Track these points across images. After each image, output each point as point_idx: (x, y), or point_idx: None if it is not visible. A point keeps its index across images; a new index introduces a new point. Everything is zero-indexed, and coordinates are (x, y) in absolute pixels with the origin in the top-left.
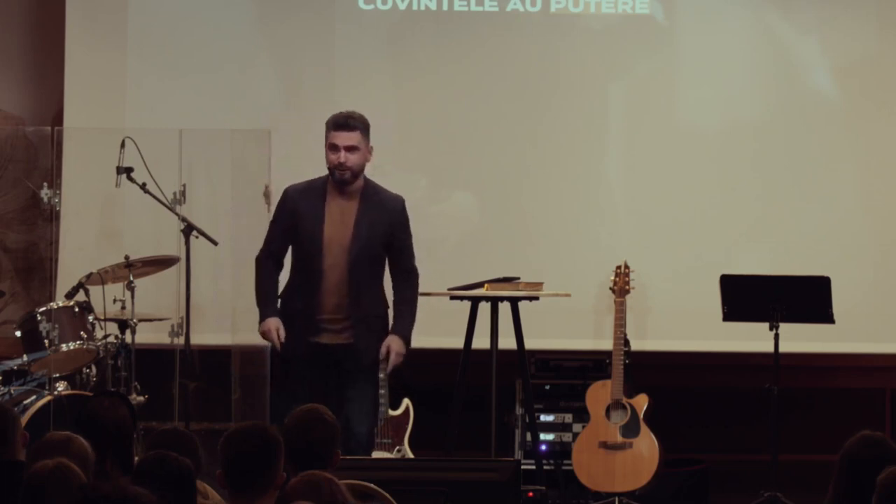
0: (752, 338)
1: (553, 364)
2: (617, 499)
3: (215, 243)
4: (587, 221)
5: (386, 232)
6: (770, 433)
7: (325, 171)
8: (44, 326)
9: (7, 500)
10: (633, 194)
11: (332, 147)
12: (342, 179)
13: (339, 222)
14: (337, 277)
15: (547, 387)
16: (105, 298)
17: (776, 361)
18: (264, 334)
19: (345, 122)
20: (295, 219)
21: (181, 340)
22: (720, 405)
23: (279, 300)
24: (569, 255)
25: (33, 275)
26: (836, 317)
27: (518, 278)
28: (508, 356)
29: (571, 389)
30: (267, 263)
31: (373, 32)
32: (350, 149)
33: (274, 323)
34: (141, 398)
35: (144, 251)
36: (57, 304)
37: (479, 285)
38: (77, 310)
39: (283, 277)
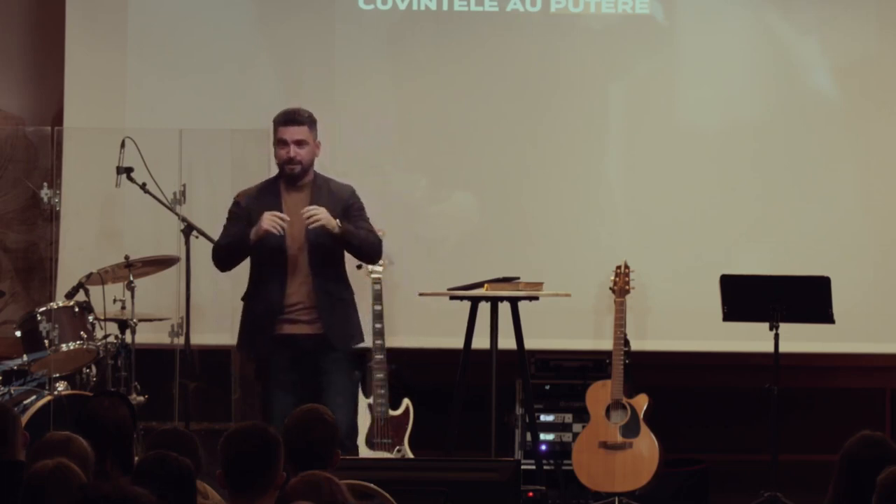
0: (752, 338)
1: (553, 364)
2: (617, 499)
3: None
4: (587, 221)
5: (340, 216)
6: (770, 433)
7: (323, 172)
8: (44, 326)
9: (7, 501)
10: (633, 194)
11: (280, 142)
12: (292, 174)
13: (294, 215)
14: (298, 268)
15: (547, 387)
16: (105, 298)
17: (776, 361)
18: (267, 228)
19: (292, 117)
20: (251, 220)
21: (181, 340)
22: (720, 405)
23: (242, 302)
24: (569, 255)
25: (33, 275)
26: (836, 317)
27: (518, 278)
28: (508, 356)
29: (571, 389)
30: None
31: (373, 32)
32: (298, 143)
33: (267, 212)
34: (141, 398)
35: (144, 251)
36: (57, 304)
37: (479, 285)
38: (77, 310)
39: (241, 282)
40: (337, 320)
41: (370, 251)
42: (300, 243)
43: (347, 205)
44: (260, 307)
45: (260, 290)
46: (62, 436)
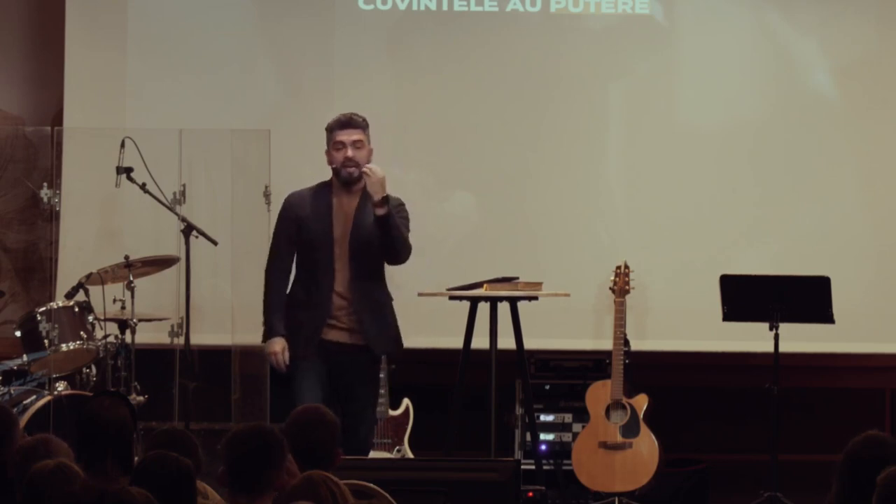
0: (751, 338)
1: (553, 364)
2: (617, 499)
3: (215, 243)
4: (587, 221)
5: None
6: (770, 433)
7: (323, 172)
8: (44, 326)
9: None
10: (633, 194)
11: (338, 144)
12: (349, 176)
13: (342, 219)
14: (342, 273)
15: (547, 387)
16: (105, 298)
17: (776, 361)
18: (271, 354)
19: (349, 120)
20: (300, 223)
21: (181, 340)
22: (720, 405)
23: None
24: (569, 255)
25: (33, 275)
26: (836, 317)
27: (517, 278)
28: (508, 356)
29: (571, 389)
30: (274, 277)
31: (373, 32)
32: (355, 143)
33: (280, 344)
34: (141, 398)
35: (144, 251)
36: (57, 304)
37: (479, 285)
38: (77, 310)
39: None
40: (375, 328)
41: (402, 248)
42: (345, 248)
43: (395, 210)
44: (304, 312)
45: (304, 296)
46: (39, 438)
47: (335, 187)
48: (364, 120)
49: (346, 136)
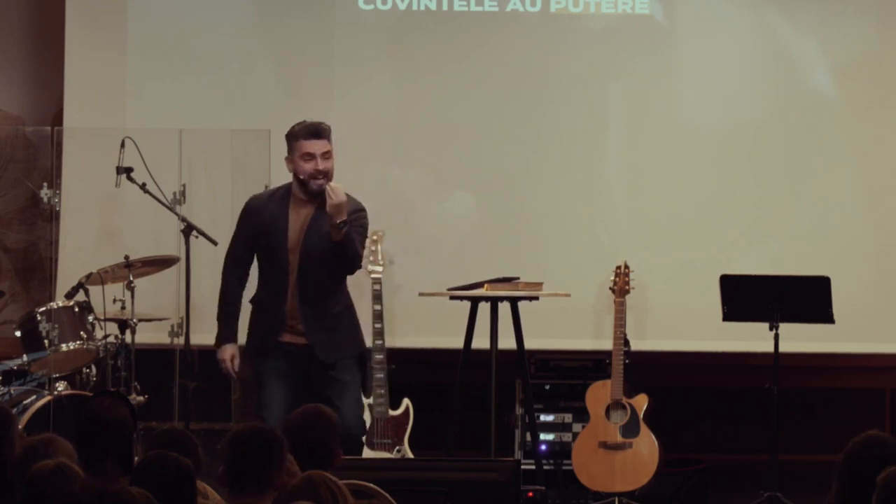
0: (751, 338)
1: (553, 364)
2: (617, 499)
3: (215, 243)
4: (587, 221)
5: None
6: (770, 433)
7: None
8: (44, 326)
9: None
10: (633, 194)
11: (307, 156)
12: (319, 188)
13: (297, 229)
14: (294, 281)
15: (547, 387)
16: (105, 298)
17: (776, 361)
18: (220, 361)
19: (317, 130)
20: (258, 230)
21: (181, 340)
22: (720, 405)
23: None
24: (569, 255)
25: (33, 275)
26: (836, 317)
27: (518, 278)
28: (508, 356)
29: (571, 389)
30: (229, 282)
31: (373, 32)
32: (325, 155)
33: (230, 351)
34: (141, 398)
35: (144, 251)
36: (57, 304)
37: (479, 285)
38: (77, 310)
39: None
40: (327, 334)
41: (353, 265)
42: (297, 257)
43: (351, 217)
44: (264, 316)
45: (265, 300)
46: (42, 438)
47: (294, 196)
48: (329, 128)
49: (316, 147)
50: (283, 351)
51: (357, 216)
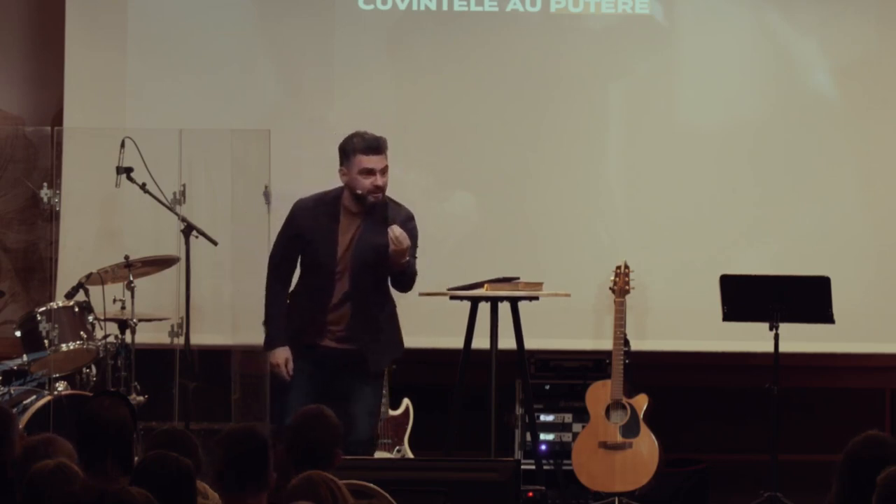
0: (751, 338)
1: (553, 364)
2: (617, 499)
3: (215, 243)
4: (587, 221)
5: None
6: (770, 433)
7: (323, 172)
8: (44, 326)
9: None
10: (633, 194)
11: (366, 171)
12: (375, 202)
13: (346, 240)
14: (340, 290)
15: (547, 387)
16: (105, 298)
17: (776, 361)
18: (273, 366)
19: (376, 145)
20: (305, 238)
21: (181, 340)
22: (720, 405)
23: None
24: (569, 255)
25: (33, 275)
26: (836, 317)
27: (518, 278)
28: (508, 356)
29: (571, 389)
30: (275, 284)
31: (373, 32)
32: (383, 171)
33: (283, 354)
34: (141, 398)
35: (144, 251)
36: (57, 304)
37: (479, 285)
38: (77, 310)
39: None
40: (376, 345)
41: (408, 285)
42: (347, 264)
43: (407, 228)
44: (301, 316)
45: (304, 299)
46: (43, 438)
47: (345, 206)
48: (386, 142)
49: (374, 163)
50: (318, 354)
51: (409, 224)
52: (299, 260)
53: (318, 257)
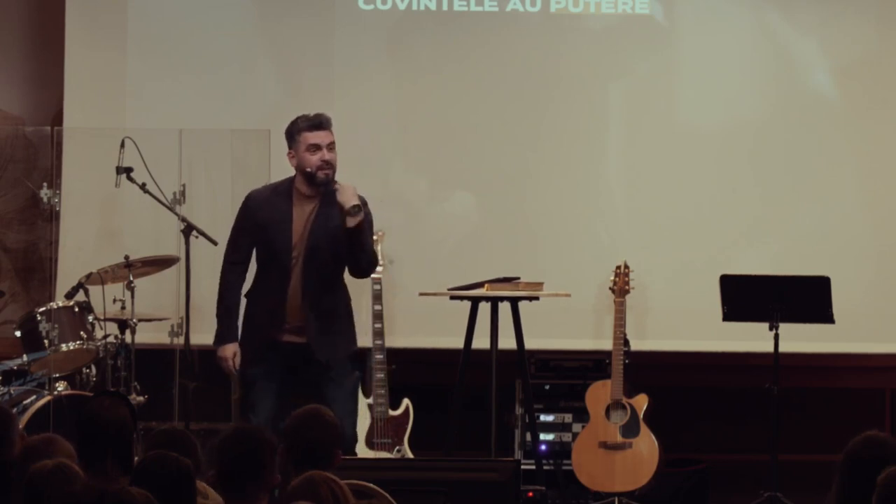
0: (751, 338)
1: (553, 364)
2: (617, 499)
3: (215, 243)
4: (587, 221)
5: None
6: (770, 433)
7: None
8: (44, 326)
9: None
10: (633, 194)
11: (312, 147)
12: (326, 178)
13: (300, 226)
14: (297, 279)
15: (547, 387)
16: (105, 298)
17: (776, 361)
18: (221, 360)
19: (320, 122)
20: (260, 227)
21: (181, 340)
22: (720, 405)
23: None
24: (569, 255)
25: (33, 275)
26: (836, 317)
27: (518, 278)
28: (508, 356)
29: (571, 389)
30: (228, 278)
31: (373, 32)
32: (330, 146)
33: (232, 349)
34: (141, 398)
35: (144, 251)
36: (57, 304)
37: (479, 285)
38: (77, 310)
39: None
40: (325, 336)
41: (369, 265)
42: (301, 253)
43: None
44: (260, 313)
45: (262, 295)
46: (43, 438)
47: (298, 191)
48: (330, 119)
49: (321, 138)
50: (280, 350)
51: (367, 212)
52: (254, 254)
53: (274, 244)
